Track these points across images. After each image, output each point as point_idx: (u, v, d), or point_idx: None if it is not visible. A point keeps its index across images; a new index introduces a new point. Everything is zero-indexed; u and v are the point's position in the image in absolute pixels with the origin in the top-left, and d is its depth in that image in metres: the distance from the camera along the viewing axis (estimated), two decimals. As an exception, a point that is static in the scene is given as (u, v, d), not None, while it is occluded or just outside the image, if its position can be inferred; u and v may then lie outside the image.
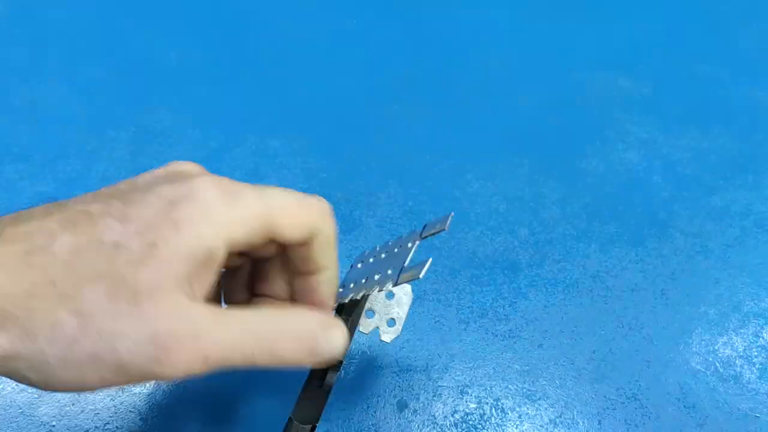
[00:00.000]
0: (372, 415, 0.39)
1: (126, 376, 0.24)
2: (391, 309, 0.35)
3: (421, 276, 0.28)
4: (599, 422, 0.39)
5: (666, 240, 0.47)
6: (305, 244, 0.29)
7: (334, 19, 0.64)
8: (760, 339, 0.43)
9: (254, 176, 0.50)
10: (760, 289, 0.45)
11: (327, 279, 0.31)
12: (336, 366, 0.31)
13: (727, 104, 0.56)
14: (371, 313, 0.35)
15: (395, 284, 0.29)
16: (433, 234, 0.30)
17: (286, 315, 0.28)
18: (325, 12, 0.64)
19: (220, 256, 0.26)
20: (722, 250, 0.47)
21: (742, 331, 0.43)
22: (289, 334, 0.27)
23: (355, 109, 0.56)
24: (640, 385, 0.40)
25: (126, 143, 0.52)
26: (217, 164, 0.51)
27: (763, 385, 0.41)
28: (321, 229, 0.29)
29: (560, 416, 0.39)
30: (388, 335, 0.35)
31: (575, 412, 0.39)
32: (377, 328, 0.35)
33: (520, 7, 0.65)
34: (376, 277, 0.30)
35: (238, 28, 0.62)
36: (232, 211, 0.26)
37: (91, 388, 0.24)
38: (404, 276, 0.28)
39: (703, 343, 0.42)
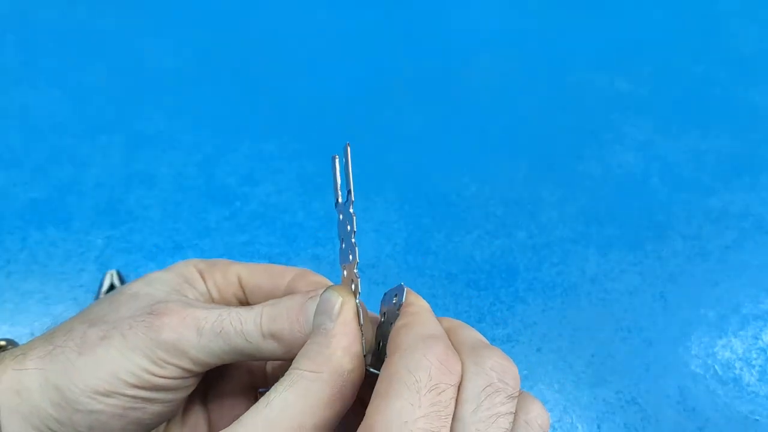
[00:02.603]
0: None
1: (132, 351, 0.26)
2: None
3: None
4: (598, 426, 0.39)
5: (664, 242, 0.47)
6: None
7: (329, 23, 0.63)
8: (759, 341, 0.43)
9: (249, 181, 0.49)
10: (759, 291, 0.45)
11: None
12: None
13: (724, 106, 0.56)
14: None
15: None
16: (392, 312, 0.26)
17: (276, 300, 0.28)
18: (319, 15, 0.64)
19: (196, 277, 0.31)
20: (721, 252, 0.46)
21: (741, 333, 0.43)
22: (279, 310, 0.27)
23: (351, 112, 0.55)
24: (639, 388, 0.40)
25: (119, 148, 0.51)
26: (211, 169, 0.50)
27: (763, 387, 0.41)
28: (300, 273, 0.31)
29: (559, 420, 0.39)
30: None
31: (574, 417, 0.39)
32: None
33: (517, 9, 0.65)
34: None
35: (232, 32, 0.62)
36: (199, 259, 0.32)
37: (111, 373, 0.26)
38: None
39: (702, 345, 0.42)
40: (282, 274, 0.31)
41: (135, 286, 0.29)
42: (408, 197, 0.49)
